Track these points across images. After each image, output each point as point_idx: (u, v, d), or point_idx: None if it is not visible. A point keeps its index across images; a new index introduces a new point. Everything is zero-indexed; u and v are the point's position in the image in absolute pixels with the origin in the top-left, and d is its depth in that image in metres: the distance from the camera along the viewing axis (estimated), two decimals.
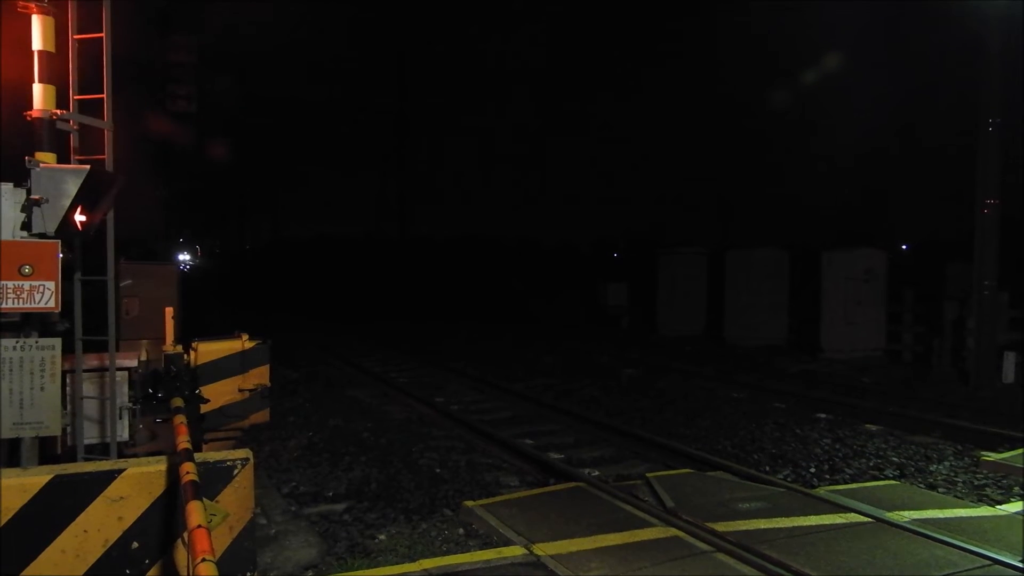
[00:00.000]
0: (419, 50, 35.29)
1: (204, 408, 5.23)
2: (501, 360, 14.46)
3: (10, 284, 3.49)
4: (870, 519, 5.32)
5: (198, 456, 3.46)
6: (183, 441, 3.62)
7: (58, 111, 3.97)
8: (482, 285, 25.79)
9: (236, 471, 3.58)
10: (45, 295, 3.56)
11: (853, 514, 5.41)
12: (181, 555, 3.42)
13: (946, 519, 5.40)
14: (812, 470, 7.18)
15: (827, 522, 5.29)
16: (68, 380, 4.22)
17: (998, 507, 5.89)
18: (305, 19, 34.11)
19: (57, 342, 3.67)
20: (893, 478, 6.83)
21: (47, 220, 3.58)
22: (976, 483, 6.66)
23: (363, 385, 11.91)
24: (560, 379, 12.34)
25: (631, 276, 21.04)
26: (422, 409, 10.04)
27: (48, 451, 4.16)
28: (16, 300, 3.50)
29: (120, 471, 3.39)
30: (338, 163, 38.40)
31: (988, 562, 4.61)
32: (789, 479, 6.79)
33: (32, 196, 3.55)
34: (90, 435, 4.42)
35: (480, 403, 10.57)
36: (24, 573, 3.19)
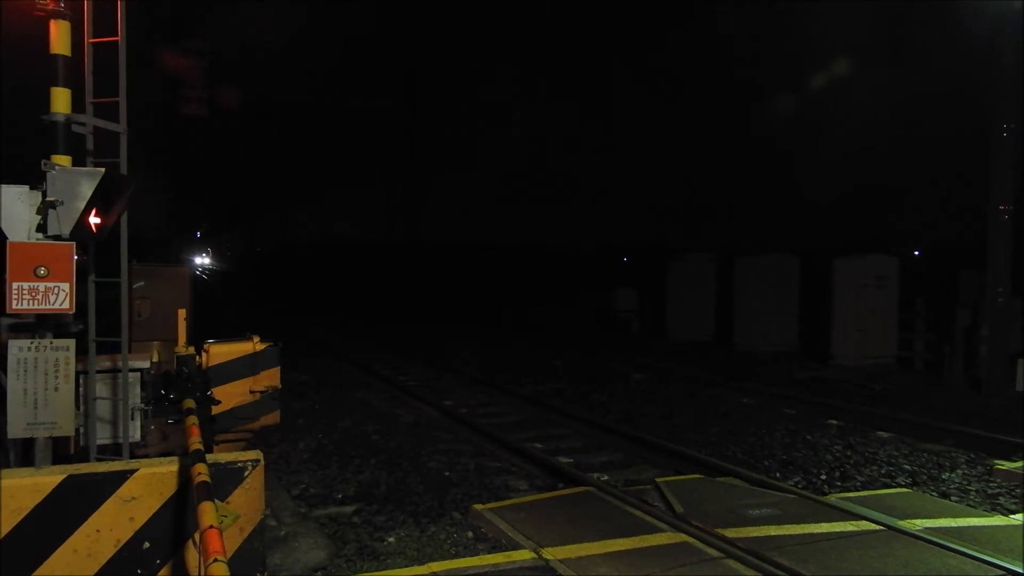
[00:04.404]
0: (428, 54, 35.43)
1: (215, 410, 5.25)
2: (509, 364, 14.46)
3: (26, 285, 3.52)
4: (882, 527, 5.28)
5: (209, 457, 3.48)
6: (195, 442, 3.64)
7: (74, 114, 4.00)
8: (491, 289, 25.80)
9: (247, 472, 3.60)
10: (60, 296, 3.58)
11: (864, 522, 5.37)
12: (192, 555, 3.43)
13: (959, 528, 5.36)
14: (823, 477, 7.14)
15: (838, 529, 5.26)
16: (81, 381, 4.25)
17: (1011, 516, 5.83)
18: (317, 25, 34.29)
19: (71, 343, 3.69)
20: (905, 486, 6.79)
21: (62, 222, 3.60)
22: (989, 492, 6.60)
23: (372, 388, 11.94)
24: (569, 383, 12.32)
25: (640, 281, 21.00)
26: (431, 412, 10.04)
27: (61, 451, 4.18)
28: (31, 301, 3.53)
29: (132, 471, 3.42)
30: (348, 166, 38.55)
31: (1001, 572, 4.57)
32: (800, 486, 6.75)
33: (48, 198, 3.58)
34: (102, 436, 4.45)
35: (488, 407, 10.57)
36: (37, 572, 3.21)
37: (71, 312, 3.67)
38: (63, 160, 3.86)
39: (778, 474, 7.18)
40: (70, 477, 3.31)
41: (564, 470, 7.14)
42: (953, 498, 6.42)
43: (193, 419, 4.19)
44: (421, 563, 4.87)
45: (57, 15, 3.89)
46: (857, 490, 6.63)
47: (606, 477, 7.11)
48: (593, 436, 8.82)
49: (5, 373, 3.64)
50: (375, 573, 4.74)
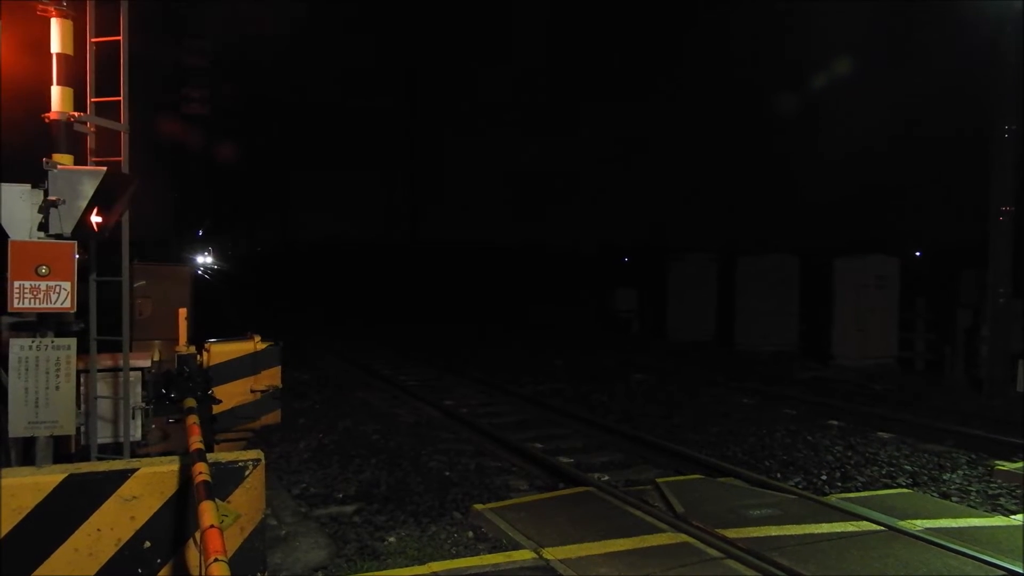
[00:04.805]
0: (428, 54, 35.45)
1: (216, 409, 5.25)
2: (510, 364, 14.46)
3: (27, 284, 3.52)
4: (882, 527, 5.28)
5: (210, 457, 3.48)
6: (195, 441, 3.63)
7: (76, 113, 4.00)
8: (491, 289, 25.80)
9: (248, 472, 3.60)
10: (61, 295, 3.58)
11: (865, 522, 5.37)
12: (192, 555, 3.43)
13: (959, 528, 5.36)
14: (823, 477, 7.14)
15: (839, 530, 5.26)
16: (82, 380, 4.25)
17: (1011, 517, 5.84)
18: (317, 25, 34.32)
19: (72, 342, 3.69)
20: (906, 486, 6.79)
21: (64, 221, 3.60)
22: (990, 493, 6.60)
23: (372, 388, 11.93)
24: (569, 383, 12.31)
25: (640, 281, 20.99)
26: (431, 412, 10.04)
27: (62, 450, 4.18)
28: (33, 300, 3.53)
29: (133, 471, 3.41)
30: (348, 166, 38.57)
31: (1001, 572, 4.57)
32: (800, 486, 6.75)
33: (49, 197, 3.58)
34: (103, 435, 4.45)
35: (489, 407, 10.57)
36: (38, 571, 3.21)
37: (72, 311, 3.67)
38: (65, 159, 3.86)
39: (779, 474, 7.18)
40: (71, 476, 3.31)
41: (564, 470, 7.14)
42: (954, 499, 6.42)
43: (194, 418, 4.19)
44: (421, 563, 4.87)
45: (59, 14, 3.89)
46: (858, 490, 6.63)
47: (606, 477, 7.11)
48: (593, 436, 8.82)
49: (6, 372, 3.65)
50: (375, 573, 4.75)
